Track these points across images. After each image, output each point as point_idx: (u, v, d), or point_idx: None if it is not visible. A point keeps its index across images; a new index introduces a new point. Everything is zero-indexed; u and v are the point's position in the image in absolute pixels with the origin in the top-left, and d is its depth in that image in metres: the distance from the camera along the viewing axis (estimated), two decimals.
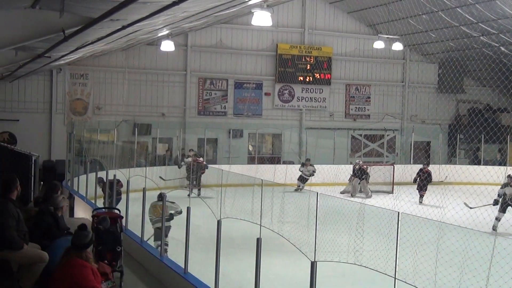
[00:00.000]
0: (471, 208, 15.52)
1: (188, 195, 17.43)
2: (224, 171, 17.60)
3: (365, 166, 23.46)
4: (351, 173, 23.30)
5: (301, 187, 23.69)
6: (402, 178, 24.59)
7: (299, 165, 24.87)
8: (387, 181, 24.23)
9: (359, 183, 22.81)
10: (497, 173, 21.74)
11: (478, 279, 7.55)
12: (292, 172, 23.48)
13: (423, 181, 21.62)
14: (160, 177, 13.05)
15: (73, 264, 6.80)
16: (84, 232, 7.14)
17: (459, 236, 7.56)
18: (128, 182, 13.74)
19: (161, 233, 11.17)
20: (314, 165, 24.44)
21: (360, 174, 22.75)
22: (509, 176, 17.15)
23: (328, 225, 14.57)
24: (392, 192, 23.54)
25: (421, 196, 21.80)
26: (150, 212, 12.86)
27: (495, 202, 15.91)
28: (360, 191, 22.96)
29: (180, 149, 26.20)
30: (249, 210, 10.67)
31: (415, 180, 22.22)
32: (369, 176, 23.29)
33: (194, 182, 19.67)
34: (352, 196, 22.39)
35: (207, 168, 20.92)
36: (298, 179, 24.04)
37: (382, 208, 13.78)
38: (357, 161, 24.42)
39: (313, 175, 23.95)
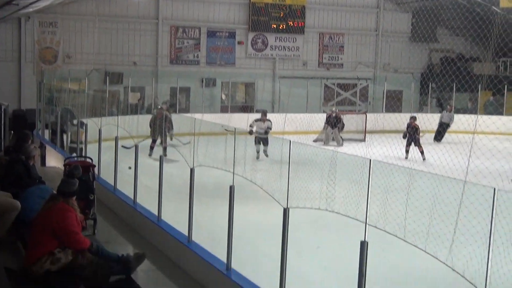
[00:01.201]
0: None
1: (150, 154, 17.48)
2: (197, 120, 17.54)
3: (340, 115, 23.51)
4: (325, 121, 23.40)
5: (259, 153, 18.58)
6: (375, 126, 24.81)
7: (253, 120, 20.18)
8: (359, 130, 24.42)
9: (332, 132, 22.93)
10: (468, 121, 22.00)
11: (447, 223, 7.69)
12: None
13: (410, 135, 20.71)
14: (123, 146, 12.96)
15: (59, 208, 6.90)
16: (71, 180, 7.31)
17: (429, 182, 7.67)
18: (100, 131, 13.65)
19: None
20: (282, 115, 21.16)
21: (334, 122, 22.83)
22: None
23: (301, 173, 14.64)
24: (364, 140, 23.74)
25: (422, 153, 20.32)
26: None
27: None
28: (332, 140, 23.13)
29: (153, 98, 26.03)
30: (222, 158, 10.70)
31: (405, 135, 21.07)
32: (344, 125, 23.40)
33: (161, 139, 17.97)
34: (324, 144, 22.54)
35: (172, 129, 19.01)
36: (256, 142, 18.60)
37: (354, 155, 13.93)
38: (333, 109, 24.44)
39: (268, 132, 19.32)
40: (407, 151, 20.75)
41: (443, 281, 8.32)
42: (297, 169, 10.60)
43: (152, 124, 18.76)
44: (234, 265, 7.89)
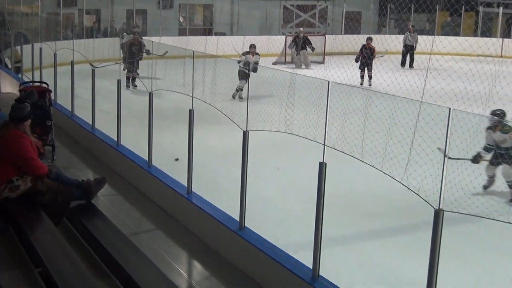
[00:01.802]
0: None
1: (127, 86, 17.11)
2: (155, 43, 17.25)
3: (307, 36, 23.16)
4: (290, 43, 23.15)
5: (240, 92, 16.18)
6: (333, 48, 24.77)
7: (242, 56, 17.96)
8: (318, 52, 24.37)
9: (300, 54, 22.66)
10: (425, 42, 22.13)
11: (403, 143, 7.85)
12: (223, 43, 23.24)
13: (365, 58, 19.87)
14: (91, 65, 12.58)
15: (12, 135, 6.80)
16: (21, 104, 7.16)
17: (386, 103, 7.76)
18: (55, 55, 13.35)
19: None
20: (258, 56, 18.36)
21: (303, 44, 22.58)
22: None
23: (260, 95, 14.67)
24: (323, 62, 23.76)
25: (370, 77, 19.89)
26: None
27: None
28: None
29: (109, 21, 25.40)
30: (180, 82, 10.61)
31: (357, 59, 20.14)
32: (314, 48, 23.17)
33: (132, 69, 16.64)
34: (296, 67, 22.48)
35: (148, 54, 16.13)
36: (240, 77, 16.21)
37: (313, 77, 13.96)
38: (301, 29, 24.14)
39: (256, 69, 15.39)
40: (362, 77, 19.92)
41: (399, 200, 8.57)
42: (256, 91, 10.62)
43: (127, 50, 17.12)
44: (195, 188, 7.96)
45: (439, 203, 4.62)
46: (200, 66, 9.72)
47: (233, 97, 15.71)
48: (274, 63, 23.29)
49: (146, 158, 9.05)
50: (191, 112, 8.15)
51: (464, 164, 7.47)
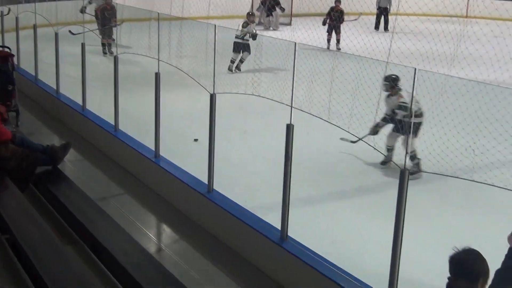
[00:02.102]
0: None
1: (104, 52, 16.72)
2: (119, 5, 16.99)
3: None
4: (259, 6, 22.87)
5: (233, 64, 14.79)
6: (300, 9, 24.66)
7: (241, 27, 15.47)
8: (285, 13, 24.20)
9: (268, 16, 22.42)
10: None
11: (369, 104, 7.92)
12: (189, 4, 22.89)
13: (334, 22, 18.96)
14: (70, 32, 12.21)
15: None
16: None
17: (353, 64, 7.77)
18: (17, 19, 13.06)
19: None
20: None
21: (272, 5, 22.31)
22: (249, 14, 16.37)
23: (227, 58, 14.60)
24: (290, 24, 23.64)
25: (338, 41, 18.99)
26: None
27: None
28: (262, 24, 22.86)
29: None
30: (146, 45, 10.46)
31: (324, 22, 19.25)
32: (284, 9, 22.91)
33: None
34: (265, 29, 22.30)
35: (119, 24, 15.64)
36: (234, 50, 14.77)
37: (279, 39, 13.89)
38: None
39: (255, 37, 14.42)
40: (328, 40, 19.13)
41: (365, 159, 8.66)
42: (223, 54, 10.51)
43: (100, 16, 16.33)
44: (163, 152, 7.93)
45: (404, 162, 4.67)
46: (165, 29, 9.60)
47: (230, 69, 14.54)
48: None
49: (113, 122, 8.97)
50: (157, 75, 8.07)
51: (430, 124, 7.56)
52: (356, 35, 13.35)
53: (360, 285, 5.00)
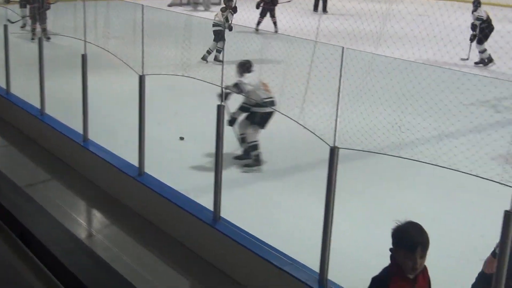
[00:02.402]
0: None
1: (32, 38, 16.05)
2: None
3: None
4: None
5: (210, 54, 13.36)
6: None
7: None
8: None
9: None
10: None
11: (299, 84, 7.98)
12: None
13: (267, 4, 18.21)
14: (8, 20, 11.58)
15: None
16: None
17: (282, 44, 7.83)
18: None
19: None
20: None
21: None
22: None
23: (155, 39, 14.38)
24: (220, 4, 23.48)
25: (275, 24, 18.19)
26: None
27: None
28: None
29: None
30: (72, 26, 10.21)
31: (258, 5, 18.21)
32: None
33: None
34: (206, 10, 22.02)
35: (54, 3, 15.24)
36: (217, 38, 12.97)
37: (209, 19, 13.81)
38: None
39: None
40: (258, 23, 18.07)
41: (296, 138, 8.74)
42: (151, 34, 10.33)
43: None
44: (92, 136, 7.80)
45: (334, 140, 4.74)
46: (92, 9, 9.39)
47: (204, 59, 13.07)
48: (170, 5, 22.80)
49: (39, 106, 8.74)
50: (84, 57, 7.89)
51: (358, 102, 7.69)
52: (292, 17, 13.40)
53: (292, 263, 5.07)
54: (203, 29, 12.68)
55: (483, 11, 14.71)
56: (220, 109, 5.73)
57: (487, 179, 3.92)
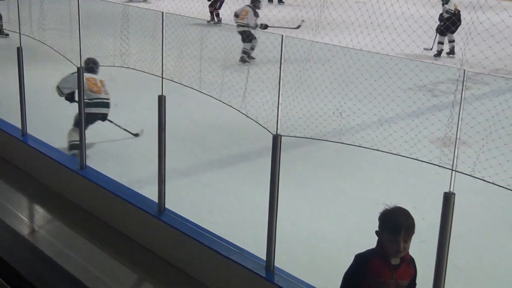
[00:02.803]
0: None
1: None
2: None
3: None
4: None
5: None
6: None
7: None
8: None
9: None
10: None
11: (240, 72, 8.01)
12: None
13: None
14: None
15: None
16: None
17: (221, 33, 7.83)
18: None
19: None
20: None
21: None
22: None
23: (92, 30, 14.12)
24: None
25: (217, 15, 17.67)
26: None
27: None
28: None
29: None
30: (5, 18, 9.95)
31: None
32: None
33: None
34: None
35: None
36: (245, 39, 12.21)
37: (146, 9, 13.63)
38: None
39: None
40: (212, 13, 17.89)
41: (239, 127, 8.77)
42: (88, 25, 10.13)
43: None
44: (30, 130, 7.63)
45: (277, 128, 4.78)
46: (26, 1, 9.17)
47: (243, 61, 11.75)
48: None
49: None
50: (19, 50, 7.70)
51: (298, 89, 7.76)
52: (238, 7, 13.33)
53: (239, 251, 5.10)
54: (141, 19, 12.52)
55: (453, 3, 14.87)
56: (161, 100, 5.70)
57: (426, 162, 4.03)
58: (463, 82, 3.89)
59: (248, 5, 12.31)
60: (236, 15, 12.88)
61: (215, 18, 18.36)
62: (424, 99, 9.22)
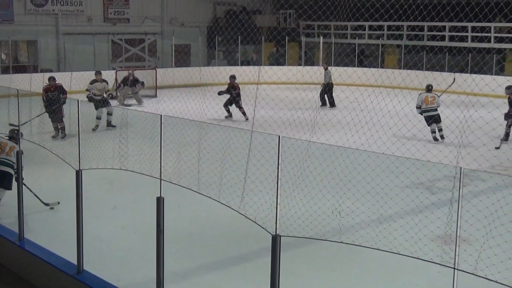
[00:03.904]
0: None
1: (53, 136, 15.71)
2: None
3: (136, 76, 22.29)
4: (119, 84, 22.48)
5: (100, 121, 15.42)
6: (164, 81, 24.86)
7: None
8: (150, 85, 24.28)
9: (131, 92, 22.02)
10: (251, 72, 22.83)
11: (238, 173, 8.05)
12: None
13: (233, 96, 18.42)
14: (12, 125, 11.13)
15: None
16: None
17: (219, 134, 7.92)
18: None
19: None
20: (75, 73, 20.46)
21: (133, 82, 21.93)
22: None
23: (91, 133, 14.40)
24: (155, 96, 23.72)
25: (244, 113, 17.92)
26: None
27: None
28: (130, 98, 22.47)
29: None
30: (5, 122, 10.10)
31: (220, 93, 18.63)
32: (143, 83, 22.51)
33: None
34: (120, 104, 21.95)
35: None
36: (97, 106, 15.75)
37: (145, 112, 13.89)
38: (130, 71, 23.23)
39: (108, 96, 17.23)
40: (228, 110, 18.42)
41: (237, 228, 8.71)
42: (88, 128, 10.31)
43: (46, 98, 14.51)
44: (28, 235, 7.58)
45: (276, 229, 4.76)
46: (26, 105, 9.34)
47: (94, 130, 14.35)
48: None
49: None
50: (18, 154, 7.78)
51: (297, 189, 7.78)
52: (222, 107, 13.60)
53: None
54: (139, 122, 12.74)
55: None
56: (159, 202, 5.70)
57: (428, 261, 3.99)
58: (460, 179, 3.92)
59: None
60: None
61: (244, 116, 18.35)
62: (422, 196, 9.24)
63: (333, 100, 21.12)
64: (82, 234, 6.62)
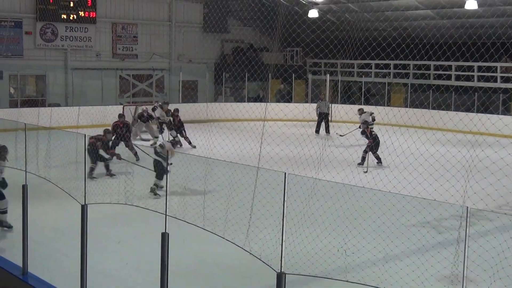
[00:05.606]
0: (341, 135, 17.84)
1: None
2: None
3: (150, 112, 22.44)
4: (137, 118, 22.48)
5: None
6: (185, 117, 24.96)
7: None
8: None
9: (144, 127, 22.08)
10: (258, 109, 22.92)
11: (243, 209, 8.03)
12: (57, 114, 22.57)
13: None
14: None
15: None
16: None
17: (225, 170, 7.92)
18: None
19: None
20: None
21: (147, 118, 22.00)
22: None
23: (98, 167, 14.41)
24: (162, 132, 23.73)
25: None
26: None
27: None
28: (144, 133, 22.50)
29: None
30: (13, 156, 10.12)
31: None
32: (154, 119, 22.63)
33: None
34: (135, 138, 21.98)
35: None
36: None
37: (150, 147, 13.92)
38: (143, 107, 23.22)
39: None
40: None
41: (242, 265, 8.65)
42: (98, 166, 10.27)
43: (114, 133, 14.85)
44: (32, 268, 7.54)
45: (281, 266, 4.72)
46: (33, 139, 9.38)
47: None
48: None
49: None
50: (24, 188, 7.78)
51: (302, 226, 7.74)
52: (234, 144, 13.65)
53: None
54: (146, 157, 12.76)
55: None
56: (164, 237, 5.67)
57: None
58: (466, 219, 3.90)
59: None
60: None
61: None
62: (428, 236, 9.17)
63: (328, 126, 23.02)
64: (86, 269, 6.58)
